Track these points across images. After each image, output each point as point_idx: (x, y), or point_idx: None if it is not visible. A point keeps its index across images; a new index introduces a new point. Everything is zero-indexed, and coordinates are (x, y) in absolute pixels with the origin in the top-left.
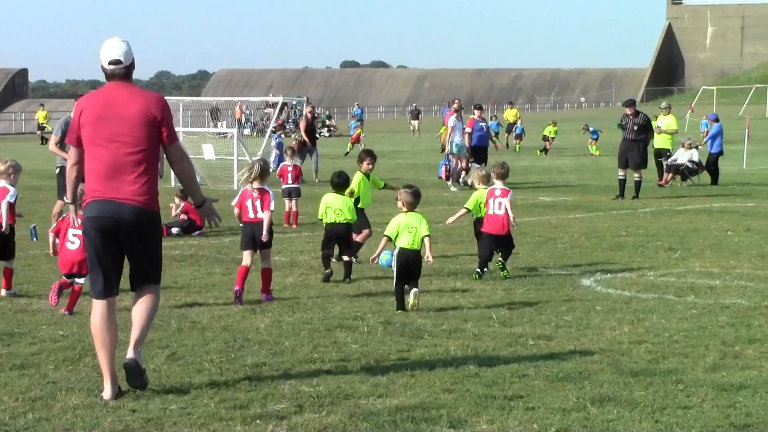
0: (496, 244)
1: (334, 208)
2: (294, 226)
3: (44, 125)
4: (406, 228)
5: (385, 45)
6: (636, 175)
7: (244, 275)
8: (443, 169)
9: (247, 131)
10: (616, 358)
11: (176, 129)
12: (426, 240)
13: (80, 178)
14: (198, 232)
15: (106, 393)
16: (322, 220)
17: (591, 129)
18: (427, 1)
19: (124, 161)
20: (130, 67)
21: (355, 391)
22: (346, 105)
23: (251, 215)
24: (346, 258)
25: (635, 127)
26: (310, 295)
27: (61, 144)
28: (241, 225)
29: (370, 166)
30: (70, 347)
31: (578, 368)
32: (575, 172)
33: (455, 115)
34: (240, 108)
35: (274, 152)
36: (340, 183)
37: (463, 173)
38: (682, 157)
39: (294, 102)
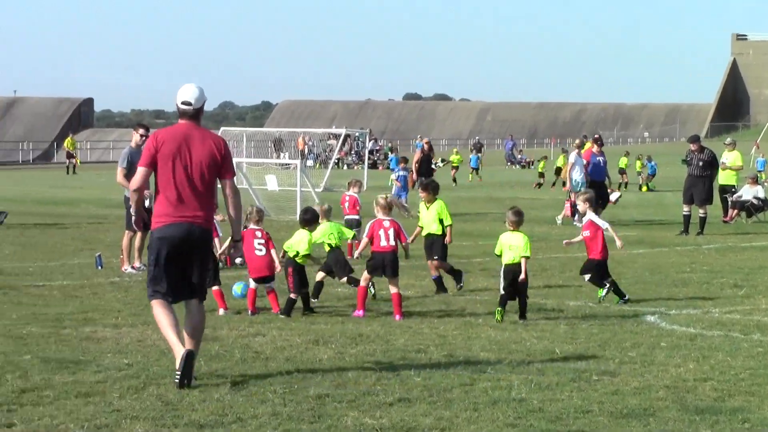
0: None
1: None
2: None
3: (72, 153)
4: (509, 247)
5: (447, 78)
6: (701, 211)
7: (364, 295)
8: (567, 205)
9: (310, 162)
10: (681, 395)
11: (240, 159)
12: (523, 260)
13: (141, 202)
14: None
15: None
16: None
17: (650, 163)
18: (490, 34)
19: (196, 190)
20: (200, 110)
21: (418, 425)
22: (408, 137)
23: (383, 243)
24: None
25: (700, 163)
26: (373, 327)
27: (129, 174)
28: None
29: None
30: (134, 376)
31: (643, 405)
32: (638, 206)
33: (577, 150)
34: (303, 139)
35: (395, 186)
36: (307, 219)
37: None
38: (747, 193)
39: (357, 134)
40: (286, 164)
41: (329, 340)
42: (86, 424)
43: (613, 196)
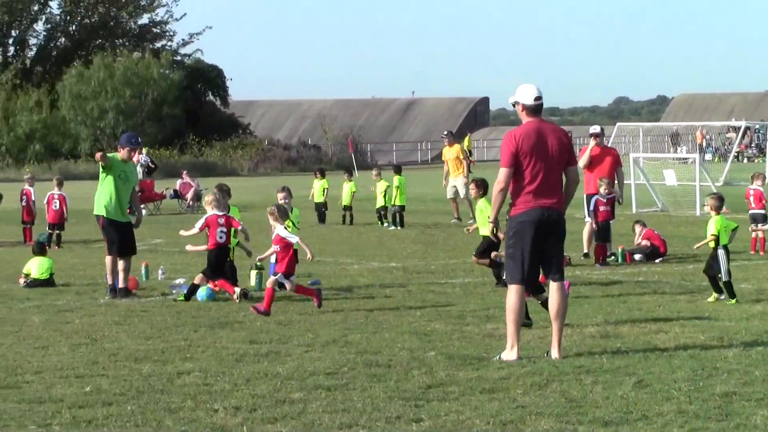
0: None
1: None
2: (761, 253)
3: (469, 152)
4: (724, 227)
5: None
6: None
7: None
8: None
9: (708, 156)
10: None
11: (637, 154)
12: (734, 232)
13: (504, 200)
14: (660, 258)
15: (512, 356)
16: None
17: None
18: None
19: (551, 178)
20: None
21: None
22: None
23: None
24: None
25: None
26: None
27: None
28: None
29: None
30: (537, 372)
31: None
32: None
33: None
34: (701, 133)
35: None
36: None
37: None
38: None
39: (757, 126)
40: (683, 159)
41: (734, 338)
42: (491, 420)
43: None
